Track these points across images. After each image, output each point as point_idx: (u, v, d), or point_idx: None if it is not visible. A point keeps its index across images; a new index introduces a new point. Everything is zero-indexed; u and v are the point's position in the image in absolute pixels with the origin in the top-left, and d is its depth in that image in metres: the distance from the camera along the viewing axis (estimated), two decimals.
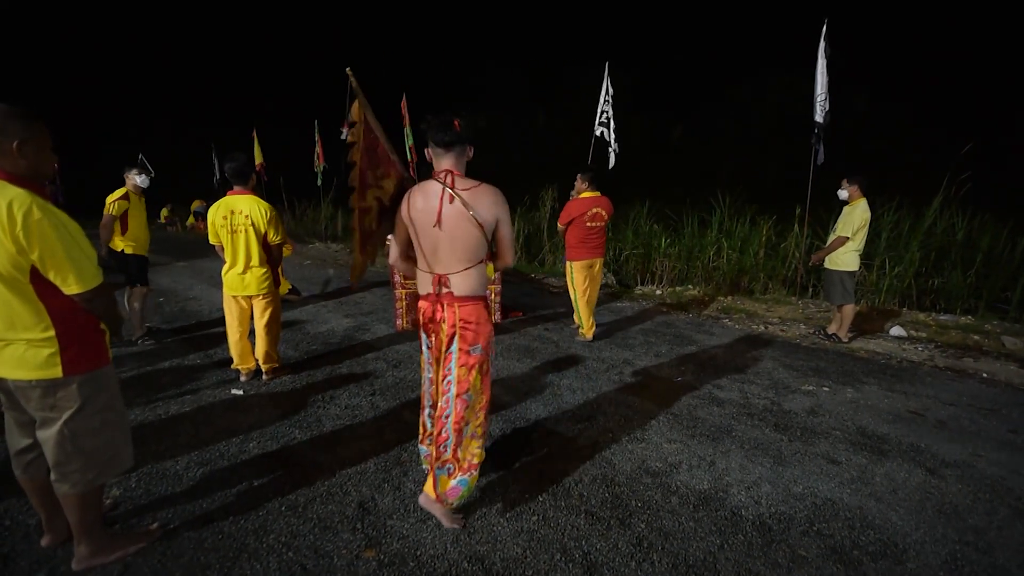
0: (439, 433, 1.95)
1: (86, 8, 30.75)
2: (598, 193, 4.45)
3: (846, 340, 4.71)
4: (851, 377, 3.84)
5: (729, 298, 6.45)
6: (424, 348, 2.07)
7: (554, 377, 3.69)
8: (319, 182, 12.54)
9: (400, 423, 2.91)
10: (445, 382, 1.94)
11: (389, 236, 2.25)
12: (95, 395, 1.64)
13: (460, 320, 1.89)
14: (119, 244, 4.26)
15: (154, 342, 4.35)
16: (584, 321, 4.57)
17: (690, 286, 7.15)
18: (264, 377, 3.54)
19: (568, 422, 2.98)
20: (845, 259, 4.55)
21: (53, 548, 1.85)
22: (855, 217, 4.45)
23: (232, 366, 3.54)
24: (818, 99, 5.74)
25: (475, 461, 1.99)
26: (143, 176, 4.29)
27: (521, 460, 2.54)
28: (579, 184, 4.52)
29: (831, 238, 4.67)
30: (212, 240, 3.31)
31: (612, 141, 6.62)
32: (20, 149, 1.49)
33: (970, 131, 8.34)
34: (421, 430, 2.20)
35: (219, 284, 3.47)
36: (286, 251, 3.54)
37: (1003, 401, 3.47)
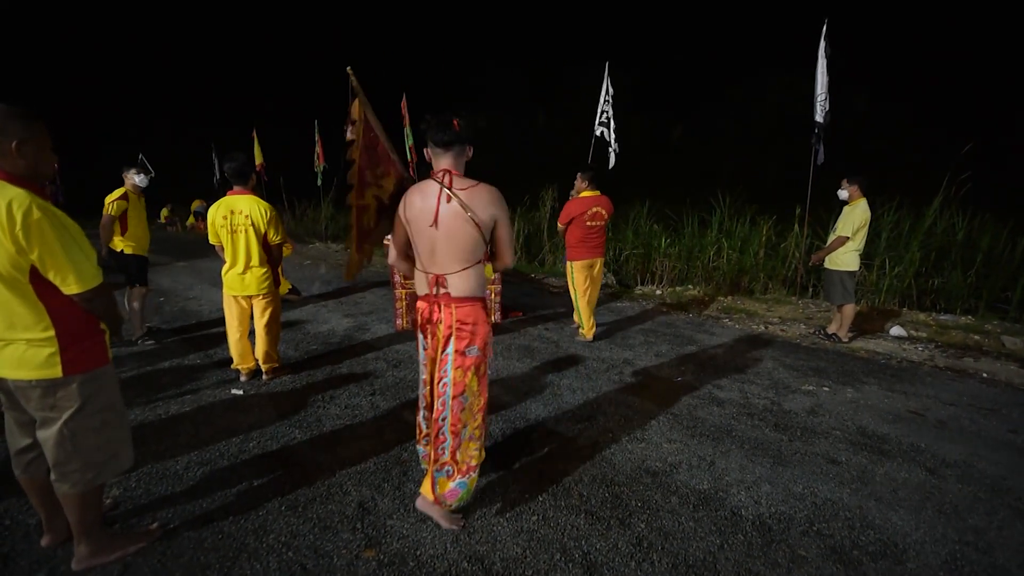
0: (436, 436, 1.94)
1: (86, 8, 30.79)
2: (598, 192, 4.44)
3: (846, 340, 4.71)
4: (851, 377, 3.84)
5: (729, 298, 6.45)
6: (420, 348, 2.06)
7: (554, 377, 3.69)
8: (319, 182, 12.54)
9: (400, 423, 2.91)
10: (441, 384, 1.92)
11: (388, 236, 2.24)
12: (95, 395, 1.64)
13: (457, 321, 1.88)
14: (119, 244, 4.25)
15: (154, 342, 4.35)
16: (584, 321, 4.57)
17: (690, 286, 7.15)
18: (264, 377, 3.54)
19: (568, 422, 2.98)
20: (845, 259, 4.55)
21: (53, 548, 1.85)
22: (855, 217, 4.45)
23: (232, 366, 3.54)
24: (818, 99, 5.74)
25: (473, 463, 1.98)
26: (142, 176, 4.28)
27: (521, 460, 2.54)
28: (579, 183, 4.52)
29: (831, 238, 4.67)
30: (212, 240, 3.31)
31: (612, 141, 6.61)
32: (19, 149, 1.49)
33: (970, 131, 8.34)
34: (418, 431, 2.20)
35: (219, 284, 3.47)
36: (286, 251, 3.54)
37: (1003, 401, 3.47)
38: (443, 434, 1.93)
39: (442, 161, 1.86)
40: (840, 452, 2.70)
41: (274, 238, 3.32)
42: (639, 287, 7.33)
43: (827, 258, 4.68)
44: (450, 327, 1.88)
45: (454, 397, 1.91)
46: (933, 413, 3.23)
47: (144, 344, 4.30)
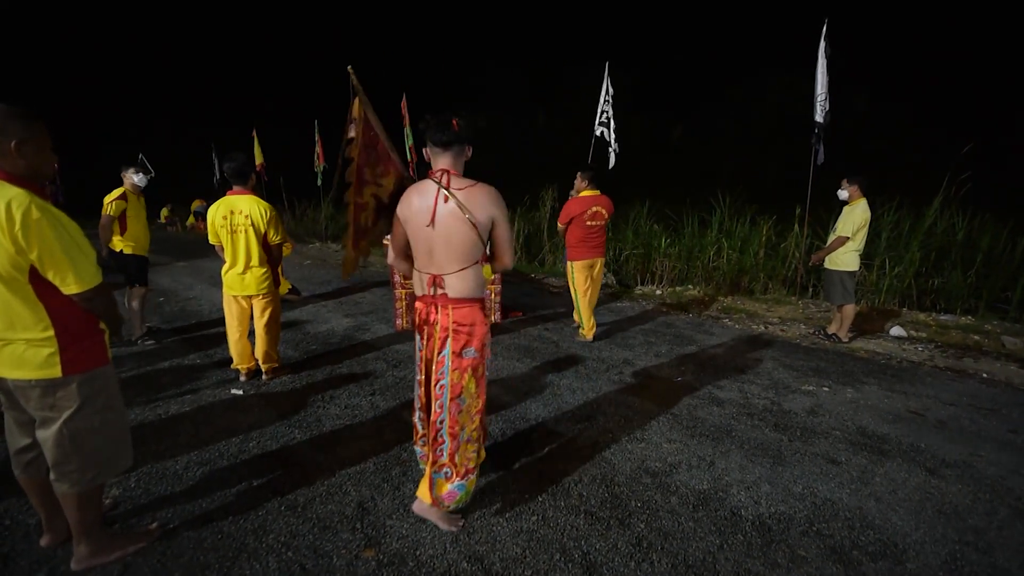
0: (435, 438, 1.92)
1: (86, 8, 30.79)
2: (598, 192, 4.44)
3: (846, 340, 4.71)
4: (851, 377, 3.84)
5: (729, 298, 6.45)
6: (417, 349, 2.04)
7: (554, 377, 3.69)
8: (319, 182, 12.55)
9: (400, 423, 2.91)
10: (438, 387, 1.90)
11: (388, 236, 2.24)
12: (94, 395, 1.64)
13: (454, 323, 1.86)
14: (118, 244, 4.25)
15: (154, 342, 4.35)
16: (585, 322, 4.57)
17: (690, 286, 7.15)
18: (264, 377, 3.54)
19: (568, 422, 2.98)
20: (845, 259, 4.55)
21: (53, 548, 1.85)
22: (855, 217, 4.45)
23: (232, 366, 3.54)
24: (818, 99, 5.74)
25: (471, 466, 1.96)
26: (140, 175, 4.27)
27: (521, 460, 2.54)
28: (579, 183, 4.51)
29: (831, 238, 4.67)
30: (212, 240, 3.31)
31: (612, 141, 6.61)
32: (19, 149, 1.49)
33: (970, 131, 8.34)
34: (414, 431, 2.18)
35: (219, 284, 3.47)
36: (286, 250, 3.54)
37: (1003, 401, 3.47)
38: (441, 436, 1.92)
39: (441, 161, 1.85)
40: (840, 452, 2.70)
41: (274, 238, 3.32)
42: (639, 287, 7.33)
43: (827, 258, 4.68)
44: (446, 329, 1.87)
45: (452, 399, 1.89)
46: (933, 413, 3.23)
47: (144, 344, 4.30)
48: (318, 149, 12.13)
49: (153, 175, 4.54)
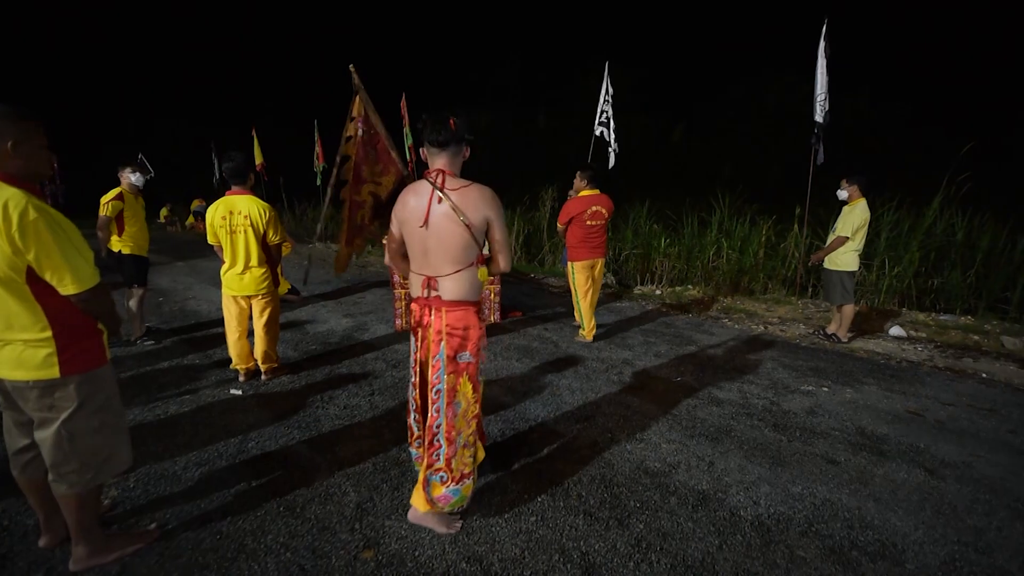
0: (431, 442, 1.90)
1: (86, 8, 30.79)
2: (598, 191, 4.43)
3: (846, 340, 4.71)
4: (850, 377, 3.84)
5: (729, 298, 6.45)
6: (412, 351, 2.01)
7: (554, 377, 3.69)
8: (319, 182, 12.54)
9: (399, 423, 2.90)
10: (434, 391, 1.88)
11: (387, 236, 2.24)
12: (93, 395, 1.64)
13: (447, 326, 1.83)
14: (116, 244, 4.24)
15: (153, 342, 4.35)
16: (585, 323, 4.56)
17: (690, 286, 7.15)
18: (263, 377, 3.53)
19: (567, 422, 2.98)
20: (845, 259, 4.55)
21: (51, 548, 1.85)
22: (855, 217, 4.45)
23: (231, 366, 3.54)
24: (818, 99, 5.74)
25: (467, 471, 1.94)
26: (137, 174, 4.25)
27: (520, 460, 2.54)
28: (578, 182, 4.51)
29: (831, 238, 4.67)
30: (211, 240, 3.30)
31: (612, 141, 6.61)
32: (15, 149, 1.49)
33: (970, 131, 8.33)
34: (409, 433, 2.14)
35: (218, 284, 3.46)
36: (285, 250, 3.53)
37: (1002, 401, 3.47)
38: (438, 441, 1.89)
39: (437, 161, 1.83)
40: (839, 452, 2.69)
41: (273, 238, 3.31)
42: (639, 287, 7.33)
43: (827, 258, 4.68)
44: (439, 332, 1.84)
45: (448, 404, 1.87)
46: (932, 413, 3.23)
47: (143, 344, 4.30)
48: (318, 149, 12.14)
49: (152, 175, 4.53)
